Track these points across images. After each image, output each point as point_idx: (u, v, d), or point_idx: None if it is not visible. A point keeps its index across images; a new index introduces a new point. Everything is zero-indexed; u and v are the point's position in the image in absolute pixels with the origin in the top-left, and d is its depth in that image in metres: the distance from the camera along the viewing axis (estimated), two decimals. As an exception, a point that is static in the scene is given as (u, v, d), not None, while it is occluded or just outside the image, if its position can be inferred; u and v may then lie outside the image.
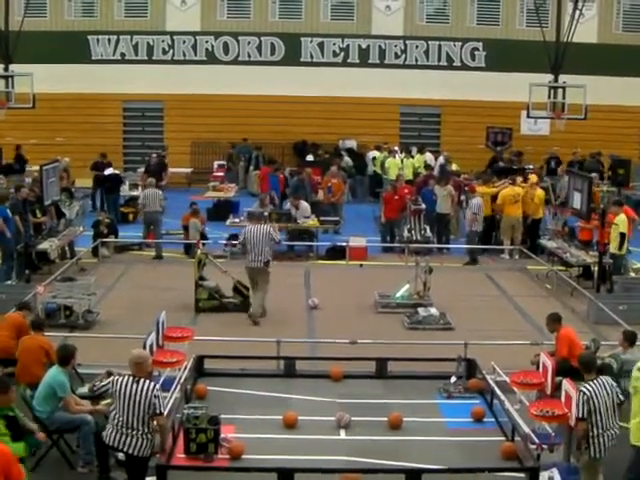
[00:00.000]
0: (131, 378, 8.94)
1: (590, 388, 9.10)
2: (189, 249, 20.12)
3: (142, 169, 27.11)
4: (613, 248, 17.79)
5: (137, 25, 31.25)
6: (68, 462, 9.75)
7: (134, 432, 8.82)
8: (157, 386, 9.00)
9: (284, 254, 21.25)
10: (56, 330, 13.82)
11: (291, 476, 9.16)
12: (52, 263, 18.45)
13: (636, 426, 8.98)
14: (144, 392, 8.82)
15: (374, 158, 29.43)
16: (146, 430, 8.88)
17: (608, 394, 9.17)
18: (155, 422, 8.95)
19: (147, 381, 8.93)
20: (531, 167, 27.27)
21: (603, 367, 11.06)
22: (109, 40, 31.04)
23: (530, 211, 21.61)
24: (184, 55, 31.28)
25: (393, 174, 26.14)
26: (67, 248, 20.07)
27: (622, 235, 17.68)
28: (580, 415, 9.05)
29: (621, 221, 17.73)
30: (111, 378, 9.16)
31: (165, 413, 8.97)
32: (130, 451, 8.85)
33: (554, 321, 12.50)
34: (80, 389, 11.00)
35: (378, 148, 29.67)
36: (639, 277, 18.95)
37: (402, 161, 28.20)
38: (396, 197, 22.10)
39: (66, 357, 10.19)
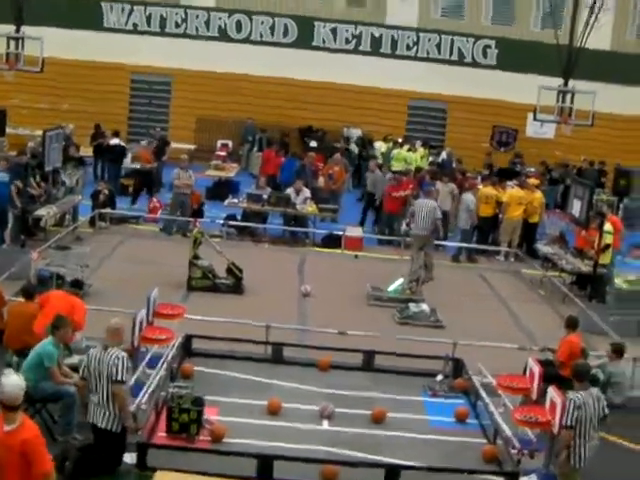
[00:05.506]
0: (101, 349, 9.01)
1: (581, 397, 9.08)
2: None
3: (145, 142, 26.95)
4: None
5: (152, -5, 31.13)
6: (49, 432, 9.74)
7: (101, 402, 8.83)
8: (123, 355, 8.94)
9: (280, 238, 21.25)
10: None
11: (271, 463, 9.20)
12: (43, 231, 18.32)
13: None
14: (108, 359, 8.87)
15: (383, 153, 29.12)
16: (111, 402, 8.88)
17: (594, 405, 9.17)
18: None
19: (115, 349, 8.94)
20: (532, 170, 27.21)
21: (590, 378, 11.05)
22: (122, 9, 30.87)
23: (528, 214, 21.59)
24: (197, 30, 31.12)
25: (398, 165, 25.96)
26: (69, 215, 20.06)
27: (607, 246, 17.89)
28: (568, 423, 9.02)
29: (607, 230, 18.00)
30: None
31: (123, 383, 8.92)
32: (99, 424, 8.84)
33: (574, 323, 12.20)
34: (68, 359, 11.00)
35: (385, 139, 29.54)
36: (633, 289, 18.91)
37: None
38: (401, 192, 21.57)
39: (56, 325, 10.14)
